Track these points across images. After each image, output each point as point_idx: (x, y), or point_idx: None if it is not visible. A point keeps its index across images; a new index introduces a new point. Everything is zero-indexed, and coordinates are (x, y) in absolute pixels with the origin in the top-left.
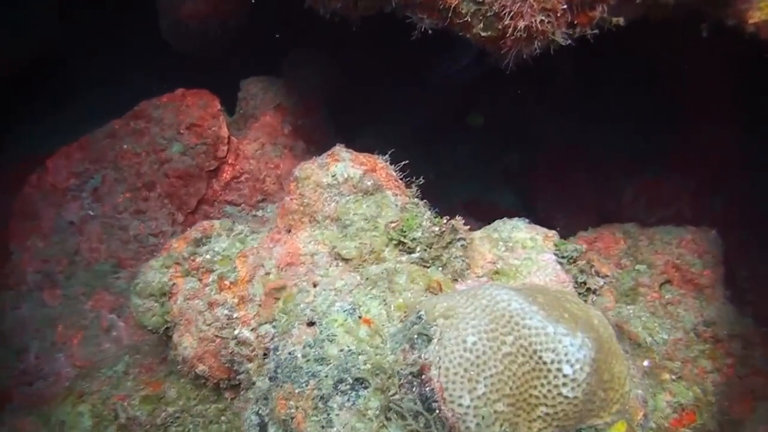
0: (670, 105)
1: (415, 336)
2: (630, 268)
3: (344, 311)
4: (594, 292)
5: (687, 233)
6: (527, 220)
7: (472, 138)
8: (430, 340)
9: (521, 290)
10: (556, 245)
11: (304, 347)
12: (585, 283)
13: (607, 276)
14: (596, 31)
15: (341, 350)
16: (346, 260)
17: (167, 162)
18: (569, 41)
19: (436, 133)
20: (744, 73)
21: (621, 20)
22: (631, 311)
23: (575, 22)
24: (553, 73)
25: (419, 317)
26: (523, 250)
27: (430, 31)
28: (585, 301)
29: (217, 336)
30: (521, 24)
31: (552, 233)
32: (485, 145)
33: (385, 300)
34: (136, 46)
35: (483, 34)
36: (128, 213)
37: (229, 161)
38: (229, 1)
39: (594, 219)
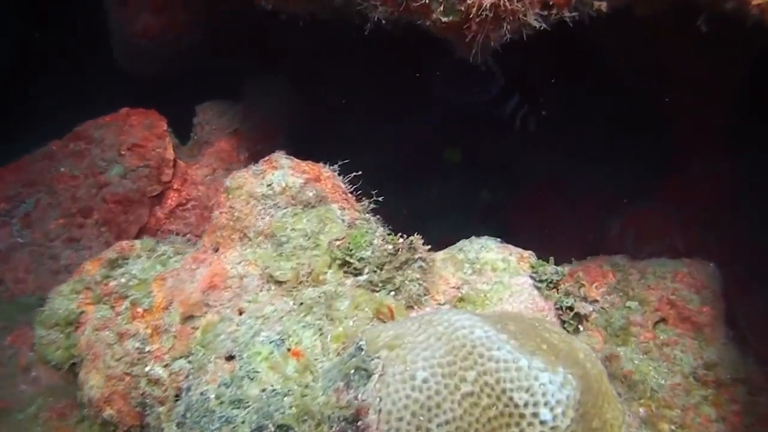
0: (659, 136)
1: (352, 371)
2: (620, 305)
3: (270, 342)
4: (584, 319)
5: (683, 266)
6: (499, 240)
7: (449, 173)
8: (369, 377)
9: (488, 316)
10: (532, 267)
11: (219, 386)
12: (571, 308)
13: (596, 301)
14: (575, 14)
15: (263, 390)
16: (279, 283)
17: (106, 186)
18: (544, 25)
19: (411, 167)
20: (738, 102)
21: (603, 5)
22: (622, 354)
23: (551, 3)
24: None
25: (359, 348)
26: (494, 273)
27: (383, 21)
28: (573, 331)
29: (126, 374)
30: (487, 2)
31: (528, 253)
32: (463, 180)
33: (321, 329)
34: (94, 72)
35: (444, 19)
36: (60, 241)
37: (175, 186)
38: (183, 16)
39: (578, 255)
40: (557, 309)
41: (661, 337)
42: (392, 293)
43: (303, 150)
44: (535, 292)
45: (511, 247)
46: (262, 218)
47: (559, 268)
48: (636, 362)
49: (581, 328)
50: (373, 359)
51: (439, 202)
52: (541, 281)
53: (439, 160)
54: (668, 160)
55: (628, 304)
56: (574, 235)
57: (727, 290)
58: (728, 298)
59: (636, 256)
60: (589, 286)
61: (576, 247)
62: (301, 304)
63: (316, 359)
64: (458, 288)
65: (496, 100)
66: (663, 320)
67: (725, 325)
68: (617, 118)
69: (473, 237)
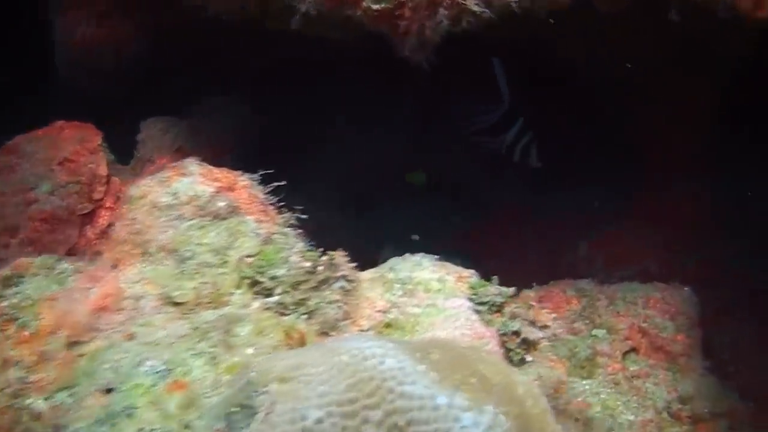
0: (634, 154)
1: (235, 409)
2: (585, 334)
3: (155, 373)
4: (533, 346)
5: (655, 291)
6: (436, 257)
7: (415, 197)
8: (253, 416)
9: (408, 344)
10: (472, 288)
11: (92, 425)
12: (518, 333)
13: (547, 327)
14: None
15: (140, 430)
16: (177, 305)
17: (34, 203)
18: (487, 11)
19: (374, 188)
20: (718, 117)
21: None
22: (587, 387)
23: None
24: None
25: (248, 381)
26: (427, 295)
27: (314, 12)
28: (519, 361)
29: (8, 407)
30: None
31: (468, 273)
32: (429, 205)
33: (215, 358)
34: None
35: (375, 7)
36: None
37: (107, 205)
38: (123, 27)
39: (546, 281)
40: (501, 335)
41: (631, 369)
42: (305, 317)
43: (254, 170)
44: (474, 316)
45: (449, 265)
46: (165, 231)
47: (504, 289)
48: (603, 396)
49: (529, 357)
50: (260, 394)
51: (405, 227)
52: (481, 304)
53: (404, 182)
54: (643, 179)
55: (594, 332)
56: (543, 260)
57: (705, 317)
58: (706, 326)
59: (606, 280)
60: (538, 310)
61: (545, 272)
62: (196, 329)
63: (204, 393)
64: (385, 312)
65: (495, 127)
66: (633, 350)
67: (702, 355)
68: (588, 137)
69: (407, 254)
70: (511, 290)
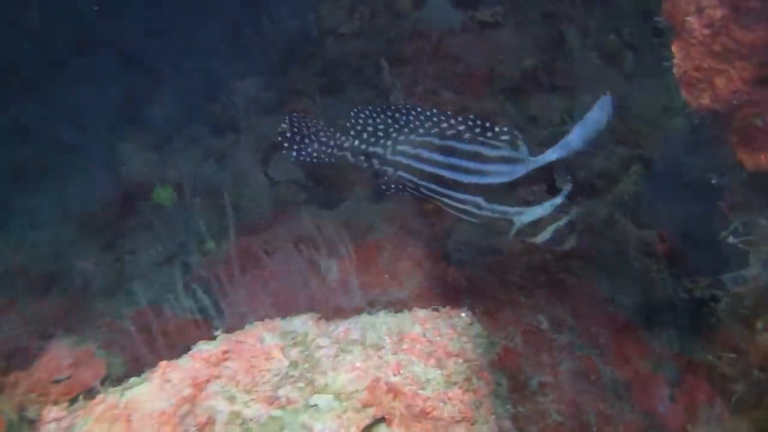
0: None
1: None
2: (300, 405)
3: None
4: None
5: (413, 324)
6: None
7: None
8: None
9: None
10: None
11: None
12: None
13: None
14: None
15: None
16: None
17: None
18: None
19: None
20: None
21: None
22: None
23: None
24: None
25: None
26: None
27: None
28: None
29: None
30: None
31: None
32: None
33: None
34: None
35: None
36: None
37: None
38: None
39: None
40: None
41: None
42: None
43: None
44: None
45: None
46: None
47: None
48: None
49: None
50: None
51: (132, 265)
52: None
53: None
54: None
55: (313, 400)
56: (295, 287)
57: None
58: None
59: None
60: None
61: (290, 305)
62: None
63: None
64: None
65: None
66: (381, 421)
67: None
68: None
69: None
70: None
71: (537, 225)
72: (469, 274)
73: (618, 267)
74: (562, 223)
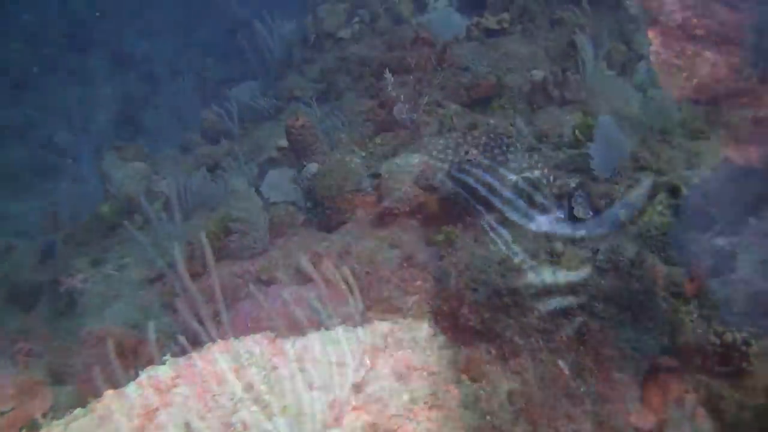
0: None
1: None
2: (257, 429)
3: None
4: None
5: None
6: None
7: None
8: None
9: None
10: None
11: None
12: None
13: None
14: None
15: None
16: None
17: None
18: None
19: None
20: None
21: None
22: None
23: None
24: None
25: None
26: None
27: None
28: None
29: None
30: None
31: None
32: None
33: None
34: None
35: None
36: None
37: None
38: None
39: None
40: None
41: None
42: None
43: None
44: None
45: None
46: None
47: None
48: None
49: None
50: None
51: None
52: None
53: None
54: None
55: (271, 424)
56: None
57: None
58: None
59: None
60: None
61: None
62: None
63: None
64: None
65: None
66: None
67: None
68: None
69: None
70: None
71: None
72: (483, 315)
73: (644, 309)
74: None
